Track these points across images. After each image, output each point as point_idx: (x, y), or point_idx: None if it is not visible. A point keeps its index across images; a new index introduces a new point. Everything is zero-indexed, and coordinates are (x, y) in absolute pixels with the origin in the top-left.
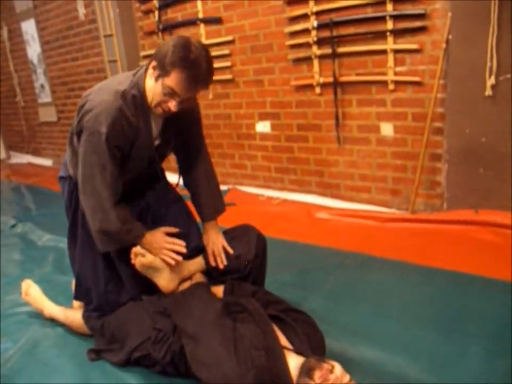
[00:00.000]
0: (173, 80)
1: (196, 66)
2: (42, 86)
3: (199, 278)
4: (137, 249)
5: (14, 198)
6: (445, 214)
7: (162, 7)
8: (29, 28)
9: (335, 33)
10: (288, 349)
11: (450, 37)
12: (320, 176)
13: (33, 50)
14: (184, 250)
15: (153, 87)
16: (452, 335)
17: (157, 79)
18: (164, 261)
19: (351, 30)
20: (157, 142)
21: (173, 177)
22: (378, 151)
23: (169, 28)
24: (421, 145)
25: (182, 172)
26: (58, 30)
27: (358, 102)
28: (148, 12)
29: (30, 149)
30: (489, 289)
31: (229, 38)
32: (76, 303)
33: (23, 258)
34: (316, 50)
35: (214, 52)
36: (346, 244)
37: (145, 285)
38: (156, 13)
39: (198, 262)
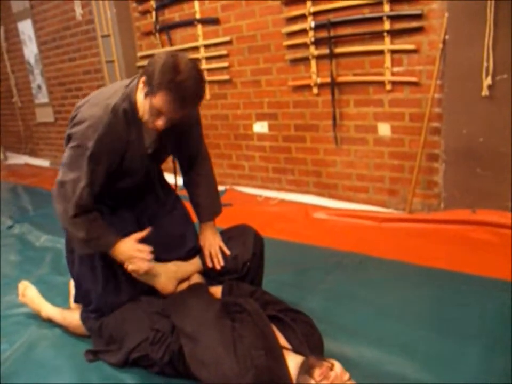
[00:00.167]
0: (159, 101)
1: (182, 88)
2: (39, 87)
3: (197, 278)
4: (129, 268)
5: (11, 199)
6: (442, 214)
7: (160, 7)
8: (25, 28)
9: (332, 33)
10: (287, 349)
11: (447, 37)
12: (317, 176)
13: (30, 50)
14: (149, 257)
15: (143, 103)
16: (450, 334)
17: (145, 95)
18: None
19: (348, 30)
20: (151, 151)
21: (170, 177)
22: (375, 151)
23: (166, 28)
24: (418, 145)
25: (182, 172)
26: (55, 30)
27: (356, 102)
28: (145, 12)
29: (27, 149)
30: (487, 288)
31: (227, 38)
32: (74, 304)
33: (21, 259)
34: (313, 50)
35: (212, 53)
36: (344, 244)
37: (143, 285)
38: (153, 13)
39: (195, 263)
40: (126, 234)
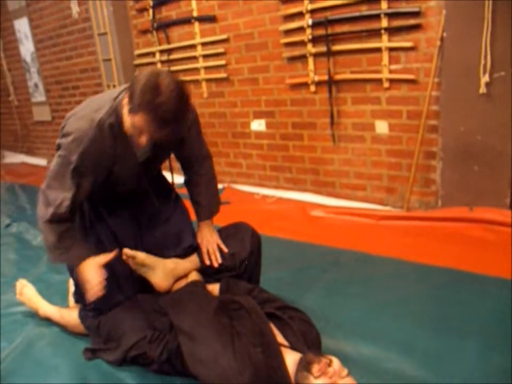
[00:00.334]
0: (139, 121)
1: (162, 110)
2: (36, 85)
3: (194, 276)
4: (127, 251)
5: (8, 198)
6: (440, 212)
7: (157, 5)
8: (21, 26)
9: (329, 31)
10: (284, 346)
11: (444, 34)
12: (315, 174)
13: (27, 49)
14: (99, 292)
15: (127, 118)
16: (447, 331)
17: (129, 112)
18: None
19: (345, 28)
20: (142, 160)
21: (168, 175)
22: (373, 149)
23: (163, 26)
24: (416, 143)
25: (182, 170)
26: (52, 29)
27: (353, 100)
28: (142, 10)
29: (24, 148)
30: (483, 285)
31: (224, 36)
32: (72, 302)
33: (18, 258)
34: (310, 48)
35: (209, 51)
36: (342, 242)
37: (141, 284)
38: (150, 11)
39: (192, 261)
40: (124, 234)
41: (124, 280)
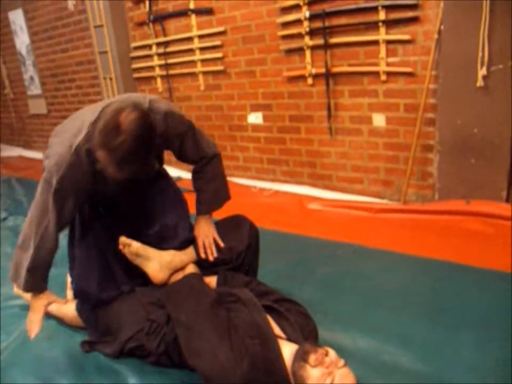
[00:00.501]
0: (99, 158)
1: (120, 152)
2: (31, 78)
3: (192, 269)
4: (123, 239)
5: (5, 191)
6: (437, 205)
7: None
8: (16, 18)
9: (327, 23)
10: (281, 338)
11: (442, 27)
12: (312, 167)
13: (22, 41)
14: (32, 336)
15: None
16: (444, 324)
17: (94, 148)
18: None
19: (343, 20)
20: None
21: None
22: (370, 142)
23: (160, 18)
24: (413, 136)
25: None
26: (47, 21)
27: (350, 93)
28: (138, 2)
29: (21, 141)
30: (480, 278)
31: (221, 28)
32: (69, 296)
33: None
34: (308, 41)
35: (206, 43)
36: (339, 235)
37: (138, 278)
38: (147, 3)
39: (189, 253)
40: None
41: (120, 273)
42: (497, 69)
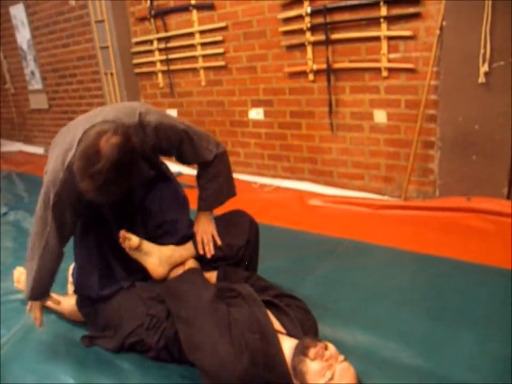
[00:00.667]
0: (79, 184)
1: (95, 180)
2: (32, 73)
3: (192, 264)
4: (123, 232)
5: (6, 186)
6: (437, 201)
7: None
8: (17, 12)
9: (328, 19)
10: (281, 333)
11: (444, 23)
12: (313, 163)
13: (23, 36)
14: (39, 326)
15: None
16: (444, 320)
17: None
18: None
19: (344, 16)
20: None
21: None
22: (371, 138)
23: (161, 13)
24: (414, 133)
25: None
26: (49, 15)
27: (351, 89)
28: None
29: (21, 136)
30: (481, 275)
31: (222, 24)
32: (70, 290)
33: (16, 246)
34: (309, 36)
35: (207, 39)
36: (339, 231)
37: (138, 273)
38: None
39: (188, 248)
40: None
41: (120, 269)
42: (499, 65)
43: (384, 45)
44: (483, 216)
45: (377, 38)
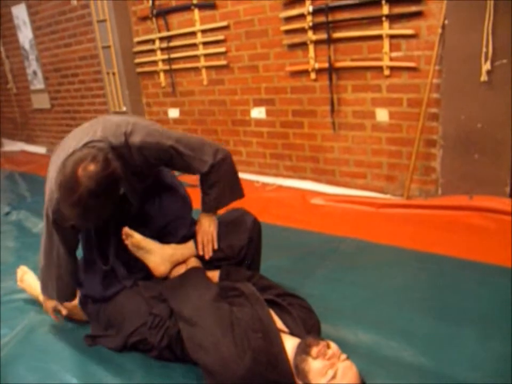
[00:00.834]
0: (60, 209)
1: (75, 209)
2: (34, 73)
3: (194, 262)
4: (126, 229)
5: (8, 186)
6: (440, 200)
7: None
8: (20, 12)
9: (330, 18)
10: (284, 332)
11: (446, 22)
12: (315, 162)
13: (25, 35)
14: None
15: None
16: (446, 318)
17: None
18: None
19: (346, 15)
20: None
21: None
22: (373, 137)
23: (163, 13)
24: (416, 131)
25: None
26: (51, 15)
27: (353, 88)
28: None
29: (23, 136)
30: (483, 273)
31: (224, 23)
32: None
33: (18, 246)
34: (311, 35)
35: (209, 38)
36: (341, 230)
37: (140, 272)
38: None
39: (190, 247)
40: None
41: (122, 268)
42: (502, 63)
43: (386, 43)
44: (485, 214)
45: (379, 37)
